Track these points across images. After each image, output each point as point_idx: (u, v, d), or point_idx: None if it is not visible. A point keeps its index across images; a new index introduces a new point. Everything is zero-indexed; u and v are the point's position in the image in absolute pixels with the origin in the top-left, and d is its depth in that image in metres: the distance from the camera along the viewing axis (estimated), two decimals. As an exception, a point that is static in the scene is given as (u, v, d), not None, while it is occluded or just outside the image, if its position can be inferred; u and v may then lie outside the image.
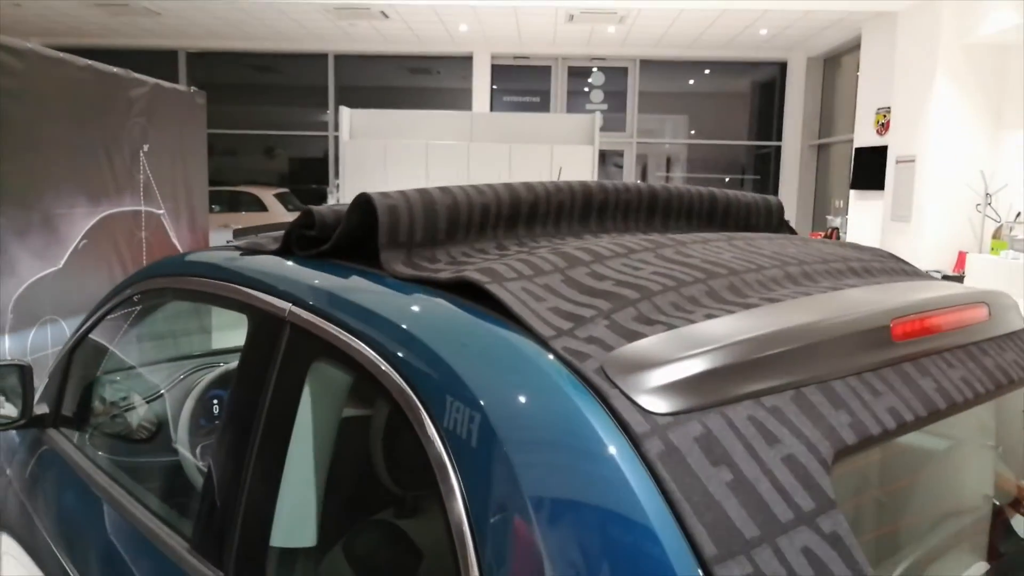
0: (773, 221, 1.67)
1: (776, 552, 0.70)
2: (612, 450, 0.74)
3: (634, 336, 0.86)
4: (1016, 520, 1.20)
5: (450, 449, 0.83)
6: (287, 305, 1.16)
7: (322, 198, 11.88)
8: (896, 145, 7.77)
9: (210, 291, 1.38)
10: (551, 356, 0.84)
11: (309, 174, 12.47)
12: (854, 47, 9.79)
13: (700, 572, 0.68)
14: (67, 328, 3.90)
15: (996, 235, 6.68)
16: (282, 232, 1.35)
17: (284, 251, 1.31)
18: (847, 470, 0.94)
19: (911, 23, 7.51)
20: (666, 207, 1.47)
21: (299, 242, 1.27)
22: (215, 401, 2.00)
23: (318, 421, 1.12)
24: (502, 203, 1.22)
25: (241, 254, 1.38)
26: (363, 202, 1.11)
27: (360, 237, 1.16)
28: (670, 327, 0.88)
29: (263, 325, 1.19)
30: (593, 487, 0.74)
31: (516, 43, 11.23)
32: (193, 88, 5.60)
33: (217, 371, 2.09)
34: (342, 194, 8.96)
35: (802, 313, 0.93)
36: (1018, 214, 6.63)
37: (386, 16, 9.56)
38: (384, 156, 8.67)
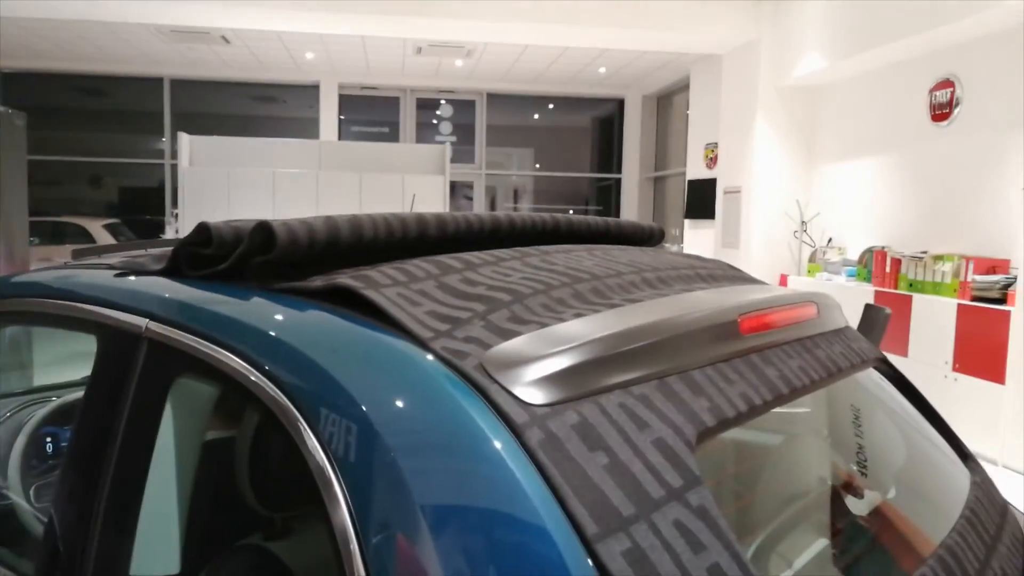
0: (653, 243, 1.77)
1: (651, 527, 0.74)
2: (495, 440, 0.77)
3: (510, 335, 0.89)
4: (848, 500, 1.33)
5: (332, 457, 0.82)
6: (144, 321, 1.10)
7: (158, 229, 11.22)
8: (724, 177, 8.40)
9: (48, 312, 1.29)
10: (431, 356, 0.86)
11: (143, 204, 11.74)
12: (684, 87, 10.53)
13: (583, 550, 0.71)
14: None
15: (812, 259, 7.35)
16: (157, 251, 1.26)
17: (170, 271, 1.20)
18: (706, 464, 1.01)
19: (733, 66, 8.18)
20: (568, 235, 1.52)
21: (190, 261, 1.17)
22: (48, 439, 1.84)
23: (182, 440, 1.06)
24: (408, 235, 1.19)
25: (116, 275, 1.26)
26: (264, 227, 1.06)
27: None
28: (543, 325, 0.92)
29: (116, 344, 1.13)
30: (478, 477, 0.75)
31: (364, 73, 11.20)
32: (11, 110, 5.18)
33: (48, 407, 1.92)
34: (181, 224, 8.51)
35: (662, 311, 1.00)
36: (829, 239, 7.34)
37: (227, 41, 9.25)
38: (227, 184, 8.34)
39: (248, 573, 1.19)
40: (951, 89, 5.87)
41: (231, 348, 0.97)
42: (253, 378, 0.92)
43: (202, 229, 1.12)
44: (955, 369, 5.20)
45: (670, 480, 0.79)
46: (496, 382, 0.82)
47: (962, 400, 5.15)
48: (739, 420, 0.92)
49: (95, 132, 11.69)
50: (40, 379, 2.41)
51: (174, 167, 9.43)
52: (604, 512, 0.74)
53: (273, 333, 0.95)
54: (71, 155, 11.33)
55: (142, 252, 1.40)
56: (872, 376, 1.40)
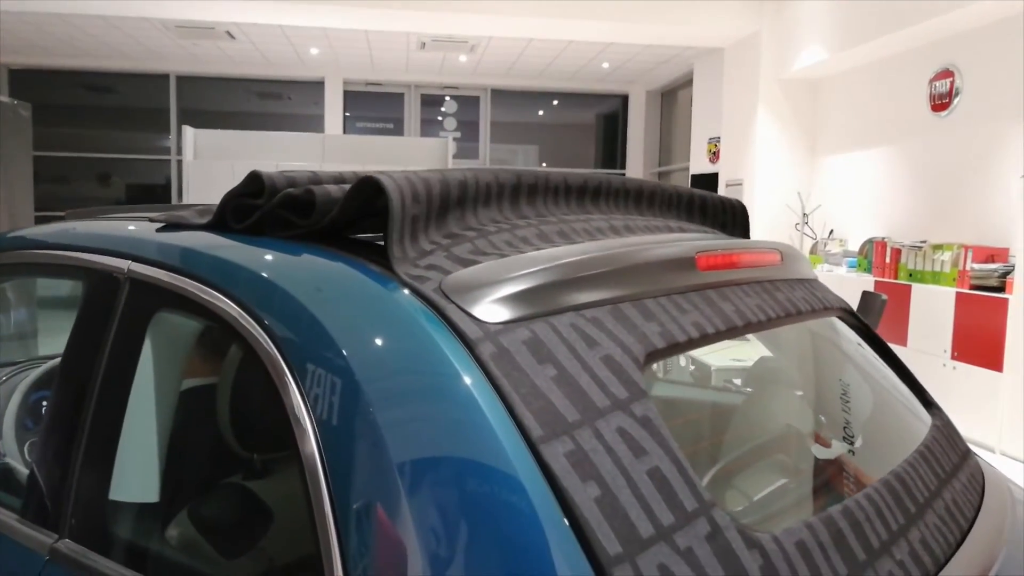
0: (739, 222, 1.66)
1: (595, 432, 0.78)
2: (448, 353, 0.80)
3: (470, 264, 0.93)
4: (815, 448, 1.37)
5: (286, 357, 0.87)
6: (126, 263, 1.14)
7: (164, 224, 11.26)
8: (725, 171, 8.41)
9: (37, 261, 1.33)
10: (395, 280, 0.90)
11: (149, 201, 11.81)
12: (688, 82, 10.54)
13: (528, 451, 0.75)
14: None
15: (813, 251, 7.35)
16: (201, 205, 1.24)
17: (216, 225, 1.14)
18: (683, 416, 1.04)
19: (735, 59, 8.20)
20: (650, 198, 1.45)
21: (236, 214, 1.11)
22: (44, 403, 1.89)
23: (161, 376, 1.10)
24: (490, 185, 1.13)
25: (157, 229, 1.22)
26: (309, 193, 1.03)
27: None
28: (502, 257, 0.95)
29: (100, 285, 1.17)
30: (432, 385, 0.79)
31: (368, 69, 11.25)
32: (16, 100, 5.24)
33: (41, 369, 1.97)
34: (186, 218, 8.57)
35: (619, 246, 1.03)
36: (831, 231, 7.34)
37: (232, 36, 9.32)
38: (232, 177, 8.40)
39: (230, 512, 1.23)
40: (951, 79, 5.87)
41: (208, 283, 1.00)
42: (232, 313, 0.96)
43: (254, 178, 1.06)
44: (954, 357, 5.21)
45: (616, 392, 0.82)
46: (453, 302, 0.86)
47: (960, 388, 5.15)
48: (690, 345, 0.95)
49: (102, 129, 11.77)
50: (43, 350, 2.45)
51: (180, 163, 9.51)
52: (550, 417, 0.77)
53: (247, 268, 0.99)
54: (78, 152, 11.42)
55: (193, 207, 1.36)
56: (839, 327, 1.42)
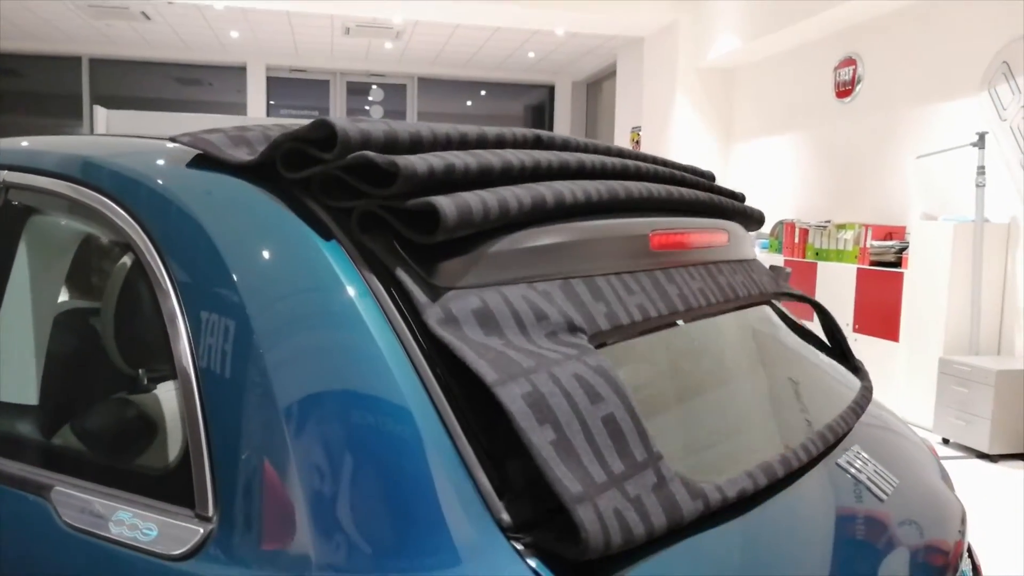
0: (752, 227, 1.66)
1: (551, 376, 0.80)
2: (329, 255, 0.84)
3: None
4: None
5: (173, 279, 0.89)
6: (2, 173, 1.14)
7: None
8: (647, 158, 8.61)
9: None
10: (289, 202, 0.92)
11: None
12: (612, 73, 10.73)
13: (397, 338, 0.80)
14: None
15: (729, 234, 7.61)
16: (233, 130, 1.04)
17: (260, 166, 0.94)
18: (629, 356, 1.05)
19: (654, 49, 8.40)
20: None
21: (289, 159, 0.91)
22: None
23: (37, 286, 1.11)
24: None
25: (188, 164, 1.01)
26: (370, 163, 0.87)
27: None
28: None
29: None
30: (306, 273, 0.83)
31: (292, 55, 11.08)
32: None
33: None
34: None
35: (577, 220, 1.01)
36: (746, 215, 7.61)
37: (148, 17, 9.05)
38: (147, 161, 8.16)
39: (117, 425, 1.23)
40: (853, 67, 6.16)
41: (89, 185, 1.02)
42: (109, 215, 0.97)
43: (322, 125, 0.86)
44: (856, 330, 5.48)
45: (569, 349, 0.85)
46: (405, 261, 0.86)
47: (862, 359, 5.42)
48: (633, 328, 0.97)
49: (9, 115, 11.27)
50: None
51: (93, 146, 9.18)
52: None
53: (134, 171, 1.00)
54: (-17, 135, 10.90)
55: (217, 131, 1.05)
56: (769, 314, 1.49)
